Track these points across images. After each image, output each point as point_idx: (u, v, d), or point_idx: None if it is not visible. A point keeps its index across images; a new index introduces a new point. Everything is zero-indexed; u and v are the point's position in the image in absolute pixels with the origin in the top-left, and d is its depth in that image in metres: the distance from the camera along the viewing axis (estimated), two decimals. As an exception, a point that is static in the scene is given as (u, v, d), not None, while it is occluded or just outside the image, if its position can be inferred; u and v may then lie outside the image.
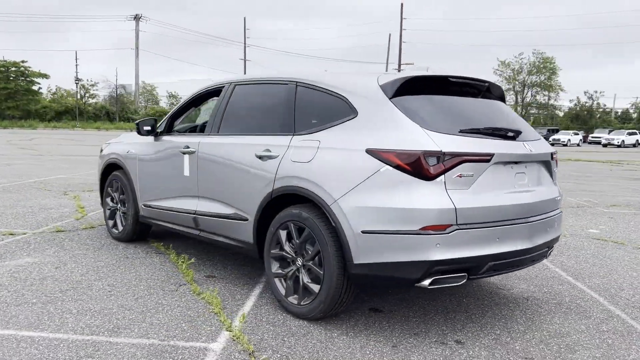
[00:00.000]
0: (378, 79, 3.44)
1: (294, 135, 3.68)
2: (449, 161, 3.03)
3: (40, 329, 3.22)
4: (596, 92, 69.58)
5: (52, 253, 4.95)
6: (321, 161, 3.40)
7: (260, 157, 3.80)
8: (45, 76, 61.86)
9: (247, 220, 3.92)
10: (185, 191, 4.57)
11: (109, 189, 5.71)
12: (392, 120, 3.23)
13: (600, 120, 68.31)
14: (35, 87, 62.37)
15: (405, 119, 3.19)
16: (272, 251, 3.72)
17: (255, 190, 3.81)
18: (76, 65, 65.23)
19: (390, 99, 3.30)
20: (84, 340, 3.07)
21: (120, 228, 5.51)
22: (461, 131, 3.22)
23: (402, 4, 56.26)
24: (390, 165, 3.07)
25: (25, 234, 5.69)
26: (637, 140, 50.54)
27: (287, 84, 3.93)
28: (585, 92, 70.10)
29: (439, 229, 2.99)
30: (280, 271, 3.69)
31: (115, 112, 65.71)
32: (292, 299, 3.58)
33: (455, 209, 3.01)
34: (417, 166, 3.01)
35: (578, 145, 47.19)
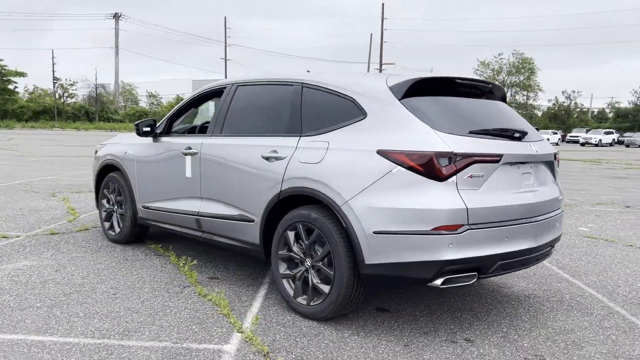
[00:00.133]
0: (387, 80, 3.46)
1: (301, 136, 3.69)
2: (460, 162, 3.07)
3: (49, 333, 3.18)
4: (574, 92, 71.04)
5: (49, 256, 4.88)
6: (331, 162, 3.41)
7: (267, 159, 3.79)
8: (22, 74, 60.70)
9: (253, 221, 3.91)
10: (187, 192, 4.55)
11: (105, 190, 5.64)
12: (403, 121, 3.26)
13: (578, 120, 69.65)
14: (11, 87, 61.18)
15: (416, 120, 3.22)
16: (280, 252, 3.73)
17: (262, 191, 3.80)
18: (53, 63, 64.15)
19: (399, 100, 3.33)
20: (95, 344, 3.04)
21: (117, 230, 5.45)
22: (470, 132, 3.27)
23: (383, 4, 56.53)
24: (402, 166, 3.10)
25: (18, 236, 5.59)
26: (614, 140, 51.66)
27: (292, 85, 3.94)
28: (563, 92, 71.52)
29: (451, 229, 3.03)
30: (288, 272, 3.70)
31: (94, 112, 64.76)
32: (301, 300, 3.59)
33: (467, 209, 3.05)
34: (429, 167, 3.05)
35: (557, 144, 47.91)
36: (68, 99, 66.23)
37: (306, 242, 3.54)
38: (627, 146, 49.92)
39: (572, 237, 6.53)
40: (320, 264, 3.46)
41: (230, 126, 4.33)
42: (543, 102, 74.19)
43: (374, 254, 3.16)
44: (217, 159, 4.24)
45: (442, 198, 3.04)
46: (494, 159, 3.20)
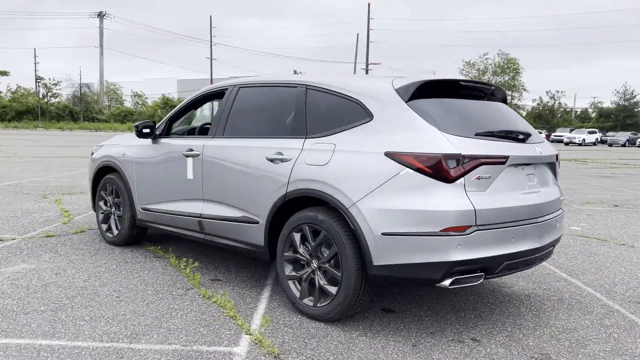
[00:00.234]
0: (393, 82, 3.49)
1: (306, 138, 3.70)
2: (468, 164, 3.11)
3: (56, 337, 3.15)
4: (558, 92, 71.88)
5: (47, 259, 4.83)
6: (338, 164, 3.43)
7: (271, 160, 3.80)
8: (4, 73, 59.77)
9: (257, 223, 3.91)
10: (189, 194, 4.53)
11: (102, 192, 5.60)
12: (410, 123, 3.29)
13: (562, 120, 70.48)
14: (-7, 86, 60.33)
15: (423, 122, 3.25)
16: (286, 254, 3.73)
17: (267, 193, 3.81)
18: (35, 62, 63.63)
19: (406, 102, 3.36)
20: (104, 348, 3.03)
21: (115, 232, 5.41)
22: (476, 134, 3.30)
23: (369, 4, 56.67)
24: (411, 168, 3.13)
25: (14, 239, 5.53)
26: (597, 139, 52.38)
27: (296, 86, 3.94)
28: (547, 92, 72.37)
29: (460, 230, 3.06)
30: (294, 274, 3.70)
31: (79, 111, 64.07)
32: (308, 301, 3.60)
33: (475, 210, 3.09)
34: (437, 169, 3.08)
35: (541, 143, 48.42)
36: (52, 98, 65.48)
37: (312, 243, 3.55)
38: (610, 145, 50.66)
39: (565, 236, 6.61)
40: (327, 265, 3.48)
41: (232, 128, 4.32)
42: (527, 102, 75.06)
43: (382, 256, 3.18)
44: (219, 160, 4.23)
45: (450, 199, 3.08)
46: (501, 160, 3.24)
